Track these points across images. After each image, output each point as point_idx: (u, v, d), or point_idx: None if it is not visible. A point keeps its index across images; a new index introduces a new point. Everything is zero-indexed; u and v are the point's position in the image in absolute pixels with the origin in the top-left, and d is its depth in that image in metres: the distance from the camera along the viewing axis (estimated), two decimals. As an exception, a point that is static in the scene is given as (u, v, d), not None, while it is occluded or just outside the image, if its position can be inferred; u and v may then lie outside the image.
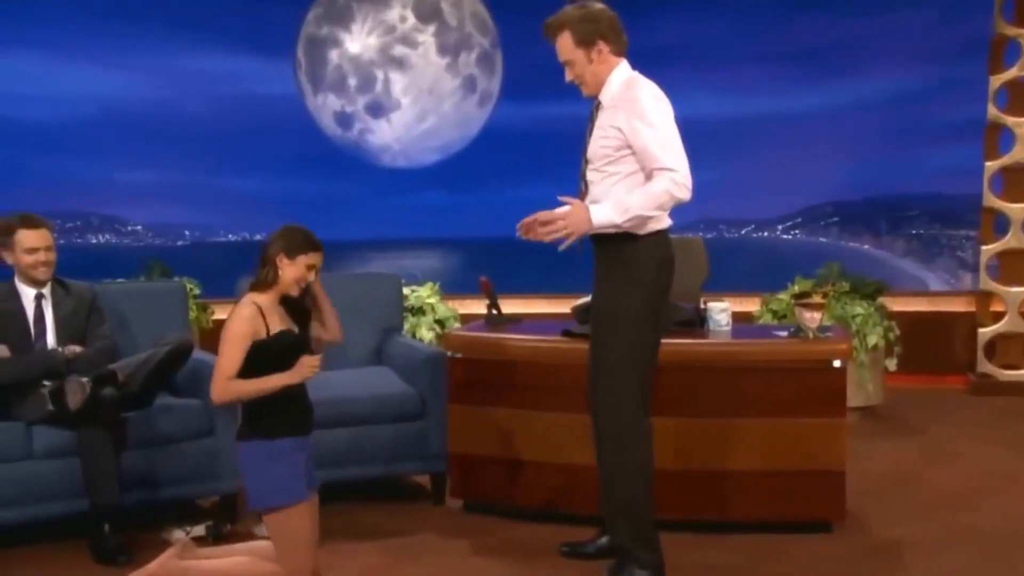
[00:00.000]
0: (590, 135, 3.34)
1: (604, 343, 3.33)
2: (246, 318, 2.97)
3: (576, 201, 3.29)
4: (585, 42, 3.26)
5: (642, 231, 3.23)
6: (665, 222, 3.29)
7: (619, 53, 3.32)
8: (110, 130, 6.96)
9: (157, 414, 3.93)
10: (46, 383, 3.76)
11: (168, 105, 7.07)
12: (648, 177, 3.21)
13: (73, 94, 6.91)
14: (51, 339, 3.99)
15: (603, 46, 3.27)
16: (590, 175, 3.35)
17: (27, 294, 4.00)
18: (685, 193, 3.14)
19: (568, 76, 3.34)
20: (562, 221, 3.18)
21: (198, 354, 4.20)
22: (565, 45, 3.29)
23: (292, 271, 3.03)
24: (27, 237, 3.96)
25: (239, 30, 7.06)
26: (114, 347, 4.08)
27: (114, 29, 6.88)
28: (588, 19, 3.26)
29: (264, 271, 3.03)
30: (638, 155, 3.21)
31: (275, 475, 3.01)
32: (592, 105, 3.37)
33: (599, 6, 3.32)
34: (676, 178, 3.12)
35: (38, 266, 3.98)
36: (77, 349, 3.92)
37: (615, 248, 3.25)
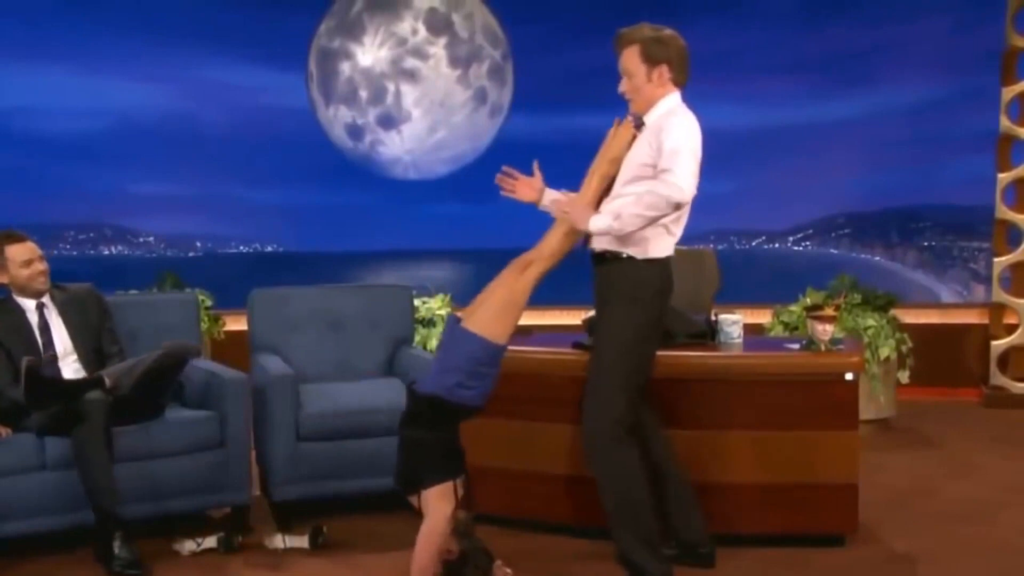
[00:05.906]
0: (628, 147, 3.41)
1: (596, 363, 3.39)
2: None
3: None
4: (651, 60, 3.31)
5: (638, 251, 3.28)
6: (666, 250, 3.33)
7: (678, 83, 3.36)
8: (123, 141, 6.98)
9: (168, 425, 3.94)
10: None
11: (181, 116, 7.09)
12: None
13: (89, 106, 6.93)
14: (62, 345, 3.99)
15: (665, 71, 3.32)
16: (616, 186, 3.40)
17: (28, 306, 4.01)
18: (677, 193, 3.11)
19: (621, 87, 3.39)
20: (567, 203, 3.33)
21: (208, 364, 4.21)
22: (630, 58, 3.34)
23: None
24: (18, 252, 3.98)
25: (252, 42, 7.07)
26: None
27: (130, 42, 6.90)
28: (660, 41, 3.32)
29: None
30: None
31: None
32: (636, 122, 3.42)
33: (674, 34, 3.36)
34: (667, 178, 3.13)
35: (37, 276, 4.00)
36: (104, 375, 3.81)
37: (615, 270, 3.32)
